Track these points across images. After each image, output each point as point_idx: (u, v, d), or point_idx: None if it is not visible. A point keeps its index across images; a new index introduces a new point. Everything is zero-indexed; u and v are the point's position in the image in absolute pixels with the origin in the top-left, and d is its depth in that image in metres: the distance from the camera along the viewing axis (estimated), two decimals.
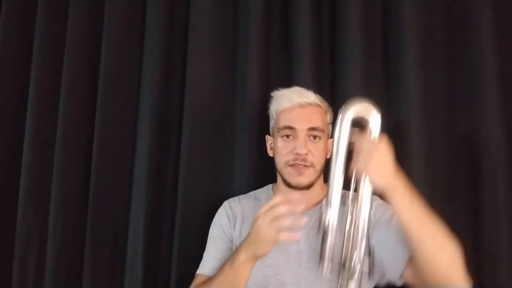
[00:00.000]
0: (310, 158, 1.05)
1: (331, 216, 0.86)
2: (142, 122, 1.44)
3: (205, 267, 1.07)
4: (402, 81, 1.28)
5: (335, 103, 1.32)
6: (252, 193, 1.20)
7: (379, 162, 0.84)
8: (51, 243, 1.42)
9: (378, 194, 0.90)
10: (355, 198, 0.89)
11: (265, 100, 1.20)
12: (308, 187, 1.07)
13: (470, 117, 1.24)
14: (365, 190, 0.87)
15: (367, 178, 0.86)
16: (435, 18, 1.31)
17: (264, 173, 1.23)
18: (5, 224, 1.50)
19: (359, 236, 0.88)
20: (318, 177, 1.10)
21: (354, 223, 0.89)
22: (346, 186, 0.91)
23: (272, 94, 1.17)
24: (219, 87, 1.40)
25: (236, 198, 1.18)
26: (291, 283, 0.99)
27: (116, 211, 1.42)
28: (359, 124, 0.88)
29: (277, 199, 0.86)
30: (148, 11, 1.48)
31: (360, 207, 0.88)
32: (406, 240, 0.88)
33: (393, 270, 0.95)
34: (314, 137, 1.07)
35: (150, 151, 1.40)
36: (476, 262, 1.19)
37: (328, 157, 1.13)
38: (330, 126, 1.15)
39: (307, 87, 1.20)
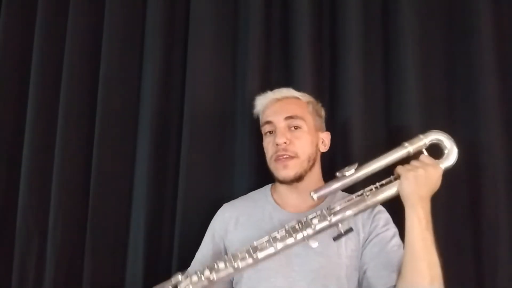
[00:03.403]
0: (290, 147, 1.05)
1: None
2: (142, 122, 1.44)
3: (191, 267, 1.11)
4: (402, 82, 1.28)
5: (335, 103, 1.33)
6: (250, 194, 1.20)
7: (424, 178, 0.92)
8: (51, 243, 1.42)
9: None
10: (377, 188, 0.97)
11: None
12: (297, 179, 1.06)
13: (470, 119, 1.24)
14: (391, 188, 0.95)
15: (402, 181, 0.93)
16: (435, 19, 1.32)
17: (264, 173, 1.22)
18: (5, 224, 1.50)
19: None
20: (308, 169, 1.07)
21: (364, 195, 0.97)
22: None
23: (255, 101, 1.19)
24: (219, 87, 1.40)
25: (233, 201, 1.18)
26: (284, 286, 0.99)
27: (116, 211, 1.42)
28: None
29: None
30: (148, 11, 1.48)
31: (375, 195, 0.95)
32: (404, 255, 0.94)
33: (375, 286, 0.98)
34: (295, 127, 1.07)
35: (151, 151, 1.40)
36: (476, 262, 1.19)
37: (324, 150, 1.14)
38: (322, 120, 1.16)
39: (307, 87, 1.21)
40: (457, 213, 1.21)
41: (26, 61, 1.56)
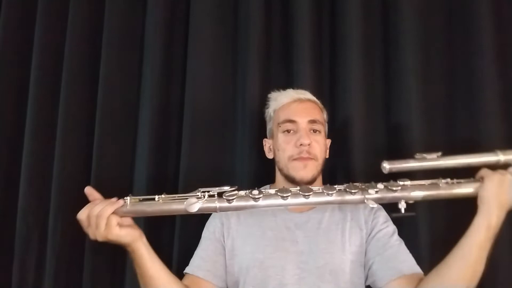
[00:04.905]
0: (313, 150, 1.06)
1: None
2: (142, 122, 1.44)
3: (191, 265, 1.09)
4: (402, 82, 1.28)
5: (335, 104, 1.33)
6: None
7: (510, 184, 0.87)
8: (51, 243, 1.42)
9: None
10: None
11: (265, 101, 1.20)
12: (311, 182, 1.07)
13: (470, 119, 1.24)
14: (468, 186, 0.90)
15: (485, 181, 0.88)
16: (435, 19, 1.32)
17: (264, 173, 1.23)
18: (5, 224, 1.50)
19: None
20: (319, 173, 1.10)
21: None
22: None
23: (268, 96, 1.18)
24: (219, 88, 1.40)
25: None
26: (290, 283, 0.99)
27: None
28: None
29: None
30: (148, 11, 1.48)
31: (451, 187, 0.90)
32: (451, 255, 0.90)
33: (381, 278, 0.98)
34: (314, 130, 1.08)
35: (150, 152, 1.40)
36: None
37: (327, 156, 1.14)
38: (327, 126, 1.16)
39: (307, 88, 1.21)
40: (457, 213, 1.20)
41: (26, 60, 1.56)
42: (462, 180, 0.91)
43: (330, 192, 0.90)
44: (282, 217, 1.07)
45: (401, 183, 0.90)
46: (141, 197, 0.95)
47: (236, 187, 0.92)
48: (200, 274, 1.05)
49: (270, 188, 1.13)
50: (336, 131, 1.31)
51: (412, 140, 1.24)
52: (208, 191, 0.92)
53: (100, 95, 1.46)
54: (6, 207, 1.51)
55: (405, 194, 0.89)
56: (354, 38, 1.30)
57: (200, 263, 1.07)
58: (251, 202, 0.91)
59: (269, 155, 1.16)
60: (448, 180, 0.91)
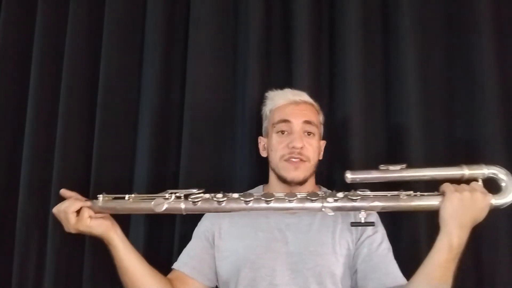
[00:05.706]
0: (305, 152, 1.06)
1: None
2: (142, 122, 1.44)
3: (178, 262, 1.11)
4: (402, 84, 1.28)
5: (334, 104, 1.33)
6: None
7: (469, 202, 0.87)
8: (51, 243, 1.42)
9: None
10: None
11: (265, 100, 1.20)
12: (302, 182, 1.07)
13: (469, 120, 1.25)
14: (430, 200, 0.90)
15: (445, 201, 0.88)
16: (435, 20, 1.32)
17: (264, 173, 1.22)
18: (5, 224, 1.50)
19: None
20: (312, 174, 1.10)
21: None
22: None
23: (266, 94, 1.19)
24: (219, 87, 1.40)
25: None
26: (281, 284, 1.00)
27: None
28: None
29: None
30: (148, 11, 1.48)
31: (412, 199, 0.91)
32: (416, 275, 0.91)
33: (364, 287, 1.00)
34: (309, 133, 1.09)
35: (150, 151, 1.40)
36: (476, 265, 1.19)
37: (320, 158, 1.14)
38: (322, 128, 1.17)
39: (306, 88, 1.21)
40: None
41: (26, 60, 1.55)
42: (424, 194, 0.91)
43: (291, 199, 0.93)
44: (275, 218, 1.07)
45: (361, 193, 0.92)
46: (114, 196, 1.00)
47: (203, 190, 0.96)
48: (186, 270, 1.07)
49: (263, 190, 1.16)
50: (335, 131, 1.31)
51: (412, 140, 1.24)
52: (176, 193, 0.96)
53: (100, 95, 1.46)
54: (6, 208, 1.51)
55: (364, 204, 0.91)
56: (354, 38, 1.30)
57: (187, 260, 1.10)
58: (215, 205, 0.94)
59: (263, 153, 1.17)
60: (411, 192, 0.92)
